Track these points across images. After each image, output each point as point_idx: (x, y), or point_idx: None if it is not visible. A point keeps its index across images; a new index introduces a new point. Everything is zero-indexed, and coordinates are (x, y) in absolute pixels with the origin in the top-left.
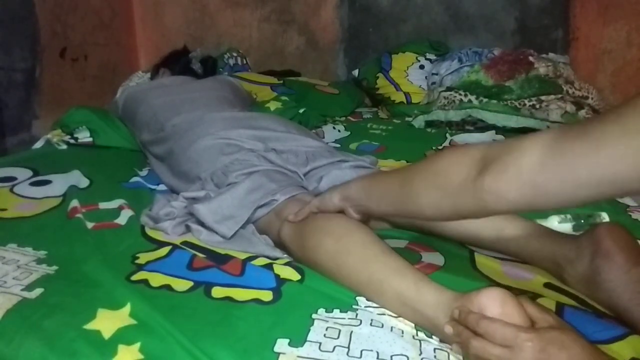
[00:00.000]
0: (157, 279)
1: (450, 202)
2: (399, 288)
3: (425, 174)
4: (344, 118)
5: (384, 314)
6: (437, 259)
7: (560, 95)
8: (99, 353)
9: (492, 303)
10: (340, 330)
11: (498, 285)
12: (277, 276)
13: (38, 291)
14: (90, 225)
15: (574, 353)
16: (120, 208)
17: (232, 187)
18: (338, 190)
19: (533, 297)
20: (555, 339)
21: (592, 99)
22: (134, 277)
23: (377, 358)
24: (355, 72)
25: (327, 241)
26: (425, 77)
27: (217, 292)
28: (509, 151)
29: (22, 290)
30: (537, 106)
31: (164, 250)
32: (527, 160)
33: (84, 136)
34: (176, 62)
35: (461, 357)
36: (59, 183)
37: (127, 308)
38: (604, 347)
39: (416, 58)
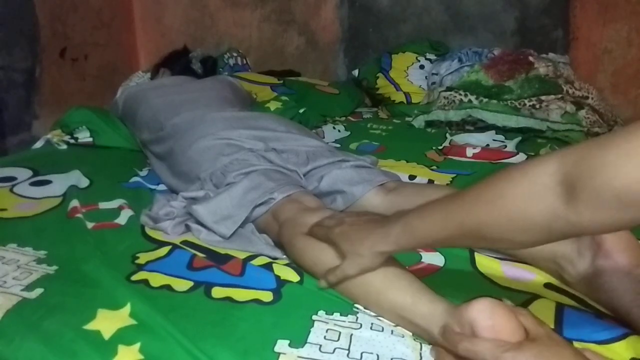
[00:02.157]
0: (157, 279)
1: (537, 239)
2: (396, 301)
3: (495, 220)
4: (344, 118)
5: (384, 318)
6: (437, 259)
7: (560, 95)
8: (99, 353)
9: (482, 315)
10: (340, 333)
11: (498, 286)
12: (277, 277)
13: (38, 291)
14: (90, 225)
15: None
16: (120, 208)
17: (230, 187)
18: (370, 252)
19: (532, 297)
20: (537, 355)
21: (592, 99)
22: (134, 277)
23: None
24: (355, 72)
25: (325, 258)
26: (425, 77)
27: (217, 292)
28: (594, 167)
29: (22, 290)
30: (537, 106)
31: (164, 250)
32: (623, 174)
33: (84, 136)
34: (176, 62)
35: None
36: (59, 183)
37: (127, 308)
38: (604, 347)
39: (416, 58)
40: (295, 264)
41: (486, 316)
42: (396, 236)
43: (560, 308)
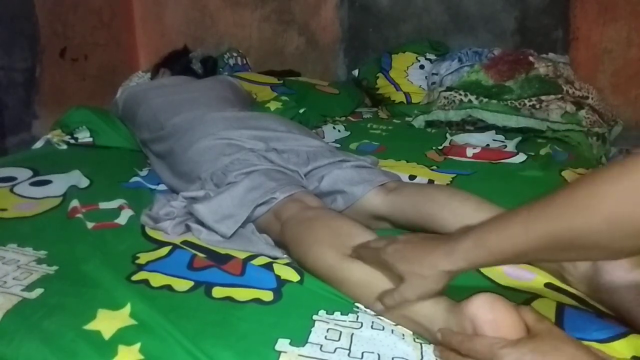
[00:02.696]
0: (157, 279)
1: None
2: None
3: (592, 226)
4: (344, 118)
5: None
6: None
7: (560, 95)
8: (99, 354)
9: (482, 311)
10: (341, 332)
11: (498, 285)
12: (277, 277)
13: (38, 291)
14: (90, 225)
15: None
16: (121, 208)
17: (231, 187)
18: (435, 271)
19: (533, 297)
20: (534, 349)
21: (592, 99)
22: (135, 277)
23: None
24: (355, 72)
25: (328, 255)
26: (425, 77)
27: (218, 292)
28: None
29: (22, 290)
30: (537, 106)
31: (164, 250)
32: None
33: (84, 136)
34: (176, 62)
35: None
36: (59, 183)
37: (127, 308)
38: (604, 345)
39: (416, 58)
40: (298, 264)
41: (486, 311)
42: (465, 252)
43: (560, 307)
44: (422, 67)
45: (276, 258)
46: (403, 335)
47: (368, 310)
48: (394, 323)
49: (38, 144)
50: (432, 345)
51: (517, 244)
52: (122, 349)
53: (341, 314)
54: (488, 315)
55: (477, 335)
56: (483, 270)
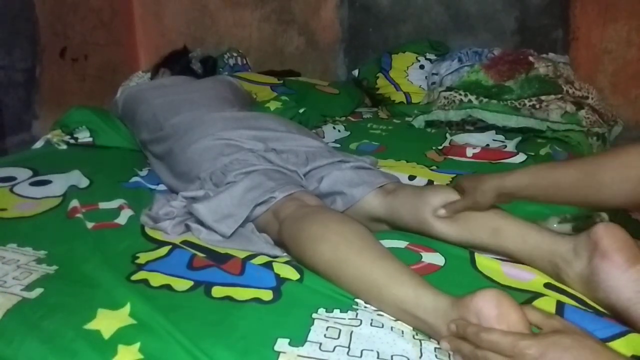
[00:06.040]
0: (157, 279)
1: None
2: (398, 295)
3: (613, 167)
4: (344, 118)
5: (383, 314)
6: (437, 259)
7: (560, 95)
8: (98, 353)
9: (488, 305)
10: (340, 330)
11: (499, 285)
12: (277, 275)
13: (38, 291)
14: (90, 225)
15: (578, 354)
16: (120, 208)
17: (230, 186)
18: (492, 186)
19: (533, 296)
20: (556, 343)
21: (592, 99)
22: (134, 277)
23: (378, 358)
24: (355, 72)
25: (324, 250)
26: (425, 77)
27: (217, 291)
28: None
29: (22, 290)
30: (537, 106)
31: (164, 250)
32: None
33: (84, 136)
34: (176, 62)
35: None
36: (59, 183)
37: (127, 308)
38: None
39: (416, 58)
40: (298, 262)
41: (492, 305)
42: (516, 177)
43: (560, 306)
44: (422, 67)
45: (276, 257)
46: (402, 332)
47: (367, 308)
48: (393, 319)
49: (38, 144)
50: (431, 342)
51: (561, 173)
52: (121, 348)
53: (340, 312)
54: (494, 310)
55: (497, 330)
56: (482, 270)
